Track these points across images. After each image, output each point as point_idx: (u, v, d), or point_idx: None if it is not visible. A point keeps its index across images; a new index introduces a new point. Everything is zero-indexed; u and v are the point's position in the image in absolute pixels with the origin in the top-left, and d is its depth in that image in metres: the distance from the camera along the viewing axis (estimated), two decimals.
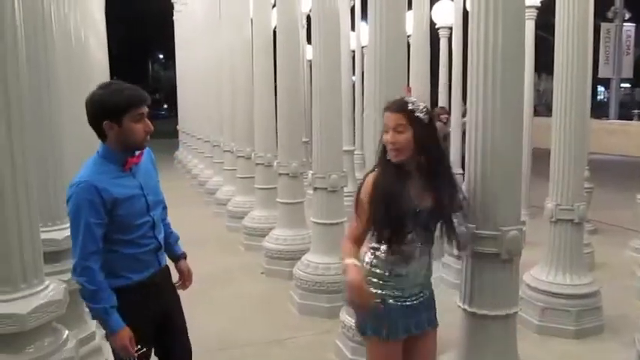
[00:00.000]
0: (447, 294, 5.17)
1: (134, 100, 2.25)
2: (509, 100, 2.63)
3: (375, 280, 2.36)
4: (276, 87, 6.24)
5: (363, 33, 10.09)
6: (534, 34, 7.52)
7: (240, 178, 8.03)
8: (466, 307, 2.77)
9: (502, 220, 2.64)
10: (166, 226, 2.66)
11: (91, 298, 2.20)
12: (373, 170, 2.43)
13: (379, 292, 2.34)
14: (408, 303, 2.39)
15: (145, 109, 2.29)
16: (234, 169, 8.50)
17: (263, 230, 6.48)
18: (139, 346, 2.29)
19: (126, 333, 2.24)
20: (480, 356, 2.77)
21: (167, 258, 2.61)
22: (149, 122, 2.30)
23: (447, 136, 7.76)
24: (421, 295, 2.44)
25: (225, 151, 9.47)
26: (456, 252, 2.58)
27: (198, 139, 13.08)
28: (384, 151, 2.34)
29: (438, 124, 7.76)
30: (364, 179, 2.44)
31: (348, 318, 3.81)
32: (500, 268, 2.67)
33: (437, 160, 2.35)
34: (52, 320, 2.06)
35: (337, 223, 4.84)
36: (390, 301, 2.36)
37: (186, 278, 2.73)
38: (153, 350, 2.47)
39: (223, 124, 9.66)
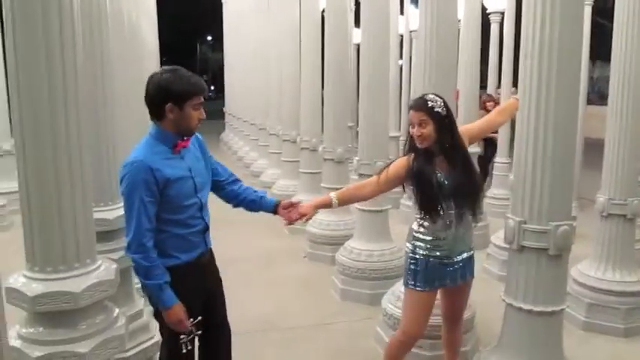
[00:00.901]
0: (491, 286, 5.14)
1: (198, 89, 2.37)
2: (564, 89, 2.55)
3: (421, 244, 2.86)
4: (323, 71, 6.23)
5: (412, 17, 9.95)
6: (591, 20, 7.25)
7: (285, 161, 8.08)
8: (511, 301, 2.73)
9: (552, 215, 2.59)
10: (249, 188, 2.83)
11: (146, 274, 2.29)
12: (406, 155, 2.92)
13: (425, 253, 2.84)
14: (449, 261, 2.85)
15: (202, 100, 2.41)
16: (280, 153, 8.57)
17: None
18: (192, 320, 2.38)
19: (180, 307, 2.34)
20: (523, 352, 2.73)
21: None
22: (203, 111, 2.43)
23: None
24: (464, 253, 2.89)
25: (270, 134, 9.54)
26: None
27: (244, 121, 13.21)
28: (412, 140, 2.84)
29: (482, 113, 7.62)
30: (396, 159, 2.99)
31: (389, 305, 3.81)
32: (548, 263, 2.62)
33: (452, 145, 2.78)
34: (103, 299, 2.13)
35: (381, 211, 4.81)
36: (432, 259, 2.83)
37: (293, 210, 2.83)
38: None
39: (270, 107, 9.71)
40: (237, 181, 2.83)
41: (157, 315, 2.50)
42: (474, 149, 6.42)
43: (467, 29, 6.15)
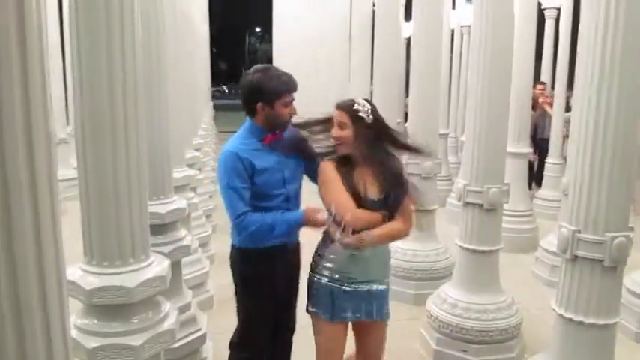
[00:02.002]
0: (539, 291, 5.04)
1: (288, 87, 2.52)
2: (627, 90, 2.44)
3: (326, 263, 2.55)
4: (372, 65, 6.19)
5: (464, 11, 9.76)
6: None
7: None
8: (562, 311, 2.66)
9: (608, 225, 2.51)
10: None
11: (271, 230, 2.49)
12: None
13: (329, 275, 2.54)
14: (359, 289, 2.53)
15: (294, 97, 2.56)
16: None
17: None
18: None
19: (307, 209, 2.53)
20: None
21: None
22: (294, 107, 2.58)
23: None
24: (373, 282, 2.56)
25: None
26: None
27: None
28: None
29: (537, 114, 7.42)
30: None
31: (434, 307, 3.78)
32: (602, 275, 2.54)
33: (378, 159, 2.48)
34: (156, 294, 2.18)
35: (429, 210, 4.77)
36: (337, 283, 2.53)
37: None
38: None
39: (317, 101, 9.73)
40: None
41: (237, 295, 2.75)
42: (525, 150, 6.29)
43: (521, 25, 6.01)
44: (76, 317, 2.13)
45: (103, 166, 2.01)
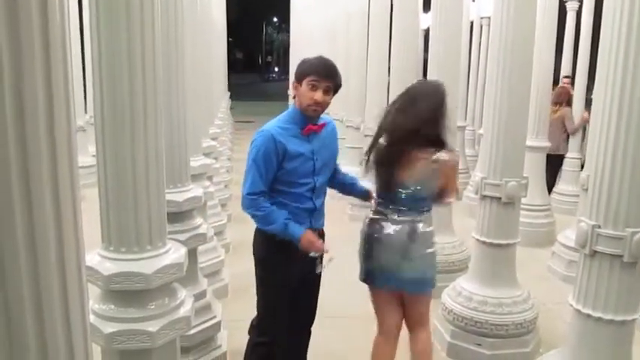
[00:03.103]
0: (555, 286, 5.00)
1: (314, 68, 2.59)
2: None
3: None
4: (390, 57, 6.15)
5: (484, 2, 9.66)
6: None
7: (349, 147, 8.07)
8: (580, 307, 2.63)
9: (629, 220, 2.46)
10: (346, 175, 3.03)
11: (266, 221, 2.59)
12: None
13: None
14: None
15: (321, 82, 2.57)
16: (343, 139, 8.55)
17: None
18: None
19: (309, 232, 2.62)
20: None
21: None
22: (321, 94, 2.56)
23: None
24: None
25: (334, 119, 9.53)
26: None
27: None
28: None
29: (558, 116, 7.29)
30: None
31: (449, 300, 3.77)
32: (622, 271, 2.50)
33: None
34: (172, 281, 2.20)
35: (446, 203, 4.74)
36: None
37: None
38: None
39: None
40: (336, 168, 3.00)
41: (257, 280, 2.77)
42: (543, 143, 6.23)
43: (542, 17, 5.92)
44: (93, 302, 2.16)
45: (121, 154, 2.03)
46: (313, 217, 2.75)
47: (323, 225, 2.87)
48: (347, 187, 3.05)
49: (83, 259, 1.14)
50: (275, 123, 2.64)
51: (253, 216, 2.60)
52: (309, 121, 2.63)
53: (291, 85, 2.72)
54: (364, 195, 3.04)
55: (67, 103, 1.04)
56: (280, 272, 2.70)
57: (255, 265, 2.79)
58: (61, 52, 1.02)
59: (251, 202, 2.56)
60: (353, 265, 4.79)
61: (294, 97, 2.70)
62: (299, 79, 2.61)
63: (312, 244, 2.61)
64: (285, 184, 2.62)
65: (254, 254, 2.78)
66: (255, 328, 2.87)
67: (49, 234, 1.02)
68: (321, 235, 2.83)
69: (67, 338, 1.08)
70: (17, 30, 0.92)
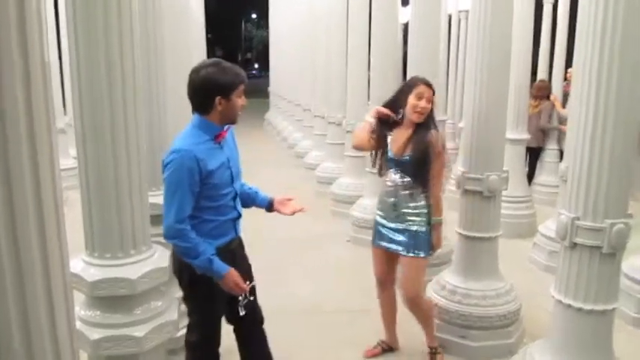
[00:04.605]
0: (537, 276, 5.07)
1: (242, 78, 2.46)
2: (627, 75, 2.40)
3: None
4: (370, 51, 6.16)
5: None
6: None
7: (330, 144, 8.08)
8: (561, 298, 2.68)
9: (608, 212, 2.50)
10: (244, 185, 2.81)
11: (190, 254, 2.36)
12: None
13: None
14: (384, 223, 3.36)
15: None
16: (324, 135, 8.56)
17: (351, 198, 6.52)
18: (247, 282, 2.53)
19: (233, 272, 2.45)
20: (571, 350, 2.68)
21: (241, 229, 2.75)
22: (244, 98, 2.51)
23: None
24: (392, 222, 3.31)
25: (315, 116, 9.53)
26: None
27: (289, 102, 13.22)
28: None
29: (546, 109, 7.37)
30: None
31: (433, 294, 3.80)
32: (601, 261, 2.55)
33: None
34: (157, 285, 2.19)
35: None
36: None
37: (290, 203, 2.90)
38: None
39: (315, 88, 9.69)
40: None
41: (186, 298, 2.58)
42: (523, 136, 6.30)
43: (519, 10, 5.97)
44: (79, 309, 2.15)
45: (103, 159, 2.03)
46: (237, 224, 2.68)
47: (240, 230, 2.76)
48: (250, 197, 2.84)
49: (67, 266, 1.14)
50: (189, 140, 2.41)
51: (178, 246, 2.38)
52: (220, 129, 2.50)
53: (216, 100, 2.43)
54: (267, 205, 2.88)
55: (46, 105, 1.03)
56: (215, 285, 2.50)
57: (186, 289, 2.56)
58: (39, 54, 1.01)
59: (177, 232, 2.33)
60: (336, 259, 4.81)
61: (205, 113, 2.46)
62: (226, 94, 2.42)
63: (236, 285, 2.47)
64: (208, 199, 2.46)
65: (182, 278, 2.53)
66: (194, 344, 2.63)
67: (32, 241, 1.01)
68: (240, 242, 2.75)
69: (53, 346, 1.08)
70: None
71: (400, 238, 3.29)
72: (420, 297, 3.41)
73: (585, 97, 2.53)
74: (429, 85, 3.18)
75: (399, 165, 3.26)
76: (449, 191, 7.21)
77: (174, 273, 2.57)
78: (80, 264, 2.10)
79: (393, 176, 3.30)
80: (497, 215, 3.71)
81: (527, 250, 5.55)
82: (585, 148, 2.53)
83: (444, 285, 3.77)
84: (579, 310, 2.61)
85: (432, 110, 3.18)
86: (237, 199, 2.65)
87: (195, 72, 2.43)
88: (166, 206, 2.36)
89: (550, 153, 7.65)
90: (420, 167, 3.20)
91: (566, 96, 7.66)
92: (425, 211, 3.26)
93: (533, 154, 7.52)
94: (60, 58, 7.93)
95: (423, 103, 3.13)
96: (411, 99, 3.16)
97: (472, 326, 3.59)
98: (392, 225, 3.32)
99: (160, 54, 3.01)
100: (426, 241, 3.28)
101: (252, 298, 2.63)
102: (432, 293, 3.81)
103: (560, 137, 7.56)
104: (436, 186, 3.25)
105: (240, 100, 2.48)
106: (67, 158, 7.65)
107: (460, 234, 3.74)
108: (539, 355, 2.80)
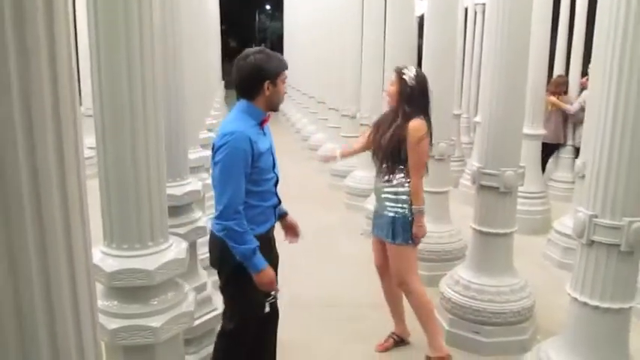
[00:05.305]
0: (551, 273, 5.04)
1: (285, 64, 2.59)
2: None
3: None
4: (385, 44, 6.13)
5: None
6: None
7: (344, 137, 8.07)
8: (577, 295, 2.66)
9: (626, 210, 2.48)
10: None
11: (241, 240, 2.41)
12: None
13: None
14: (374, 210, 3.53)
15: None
16: (338, 127, 8.54)
17: (364, 191, 6.52)
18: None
19: (270, 269, 2.51)
20: (586, 348, 2.66)
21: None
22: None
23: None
24: (379, 209, 3.41)
25: (330, 108, 9.51)
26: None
27: (304, 94, 13.21)
28: None
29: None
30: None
31: (447, 289, 3.80)
32: (619, 260, 2.53)
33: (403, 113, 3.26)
34: (174, 277, 2.21)
35: (443, 192, 4.76)
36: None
37: (296, 232, 2.95)
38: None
39: (330, 81, 9.67)
40: None
41: (226, 286, 2.64)
42: (539, 131, 6.25)
43: (537, 3, 5.92)
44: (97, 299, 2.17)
45: (122, 151, 2.03)
46: (276, 211, 2.74)
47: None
48: None
49: (90, 257, 1.15)
50: (242, 123, 2.48)
51: (230, 230, 2.41)
52: (265, 114, 2.59)
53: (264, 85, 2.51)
54: (281, 216, 2.89)
55: (72, 94, 1.04)
56: (253, 290, 2.54)
57: (228, 279, 2.62)
58: (65, 49, 1.02)
59: (236, 215, 2.40)
60: (350, 252, 4.82)
61: (252, 99, 2.54)
62: (274, 79, 2.52)
63: (271, 283, 2.52)
64: (253, 184, 2.50)
65: (225, 267, 2.60)
66: (229, 336, 2.70)
67: (57, 231, 1.02)
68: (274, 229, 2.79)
69: (77, 334, 1.09)
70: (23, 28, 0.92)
71: (381, 224, 3.37)
72: (407, 285, 3.39)
73: (605, 94, 2.50)
74: (395, 70, 3.33)
75: (378, 150, 3.39)
76: (463, 186, 7.19)
77: (214, 260, 2.67)
78: (98, 254, 2.12)
79: (378, 162, 3.41)
80: (512, 211, 3.69)
81: (541, 246, 5.52)
82: (605, 145, 2.51)
83: (458, 280, 3.76)
84: (596, 308, 2.60)
85: (402, 94, 3.24)
86: (278, 186, 2.70)
87: (242, 59, 2.52)
88: (220, 188, 2.43)
89: (565, 149, 7.59)
90: (392, 152, 3.26)
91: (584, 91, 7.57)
92: (404, 197, 3.28)
93: (548, 151, 7.39)
94: (76, 47, 7.98)
95: (387, 89, 3.38)
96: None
97: (486, 322, 3.58)
98: (378, 211, 3.44)
99: (177, 45, 3.02)
100: (403, 229, 3.28)
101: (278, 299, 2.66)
102: (446, 288, 3.81)
103: (575, 133, 7.48)
104: (414, 175, 3.26)
105: (283, 86, 2.58)
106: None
107: (475, 229, 3.73)
108: (554, 353, 2.79)
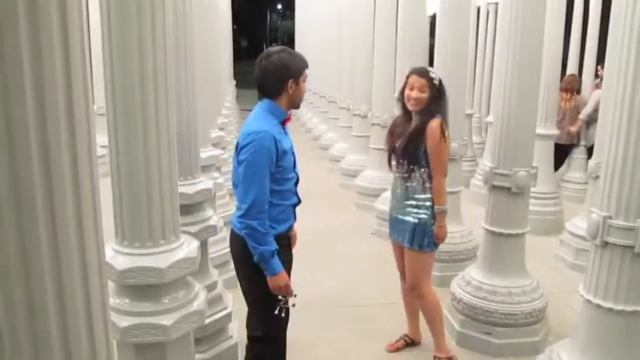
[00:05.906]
0: (563, 274, 5.00)
1: (306, 63, 2.60)
2: None
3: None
4: (397, 43, 6.11)
5: None
6: None
7: (355, 136, 8.06)
8: (590, 297, 2.63)
9: None
10: None
11: (263, 240, 2.43)
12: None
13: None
14: (392, 214, 3.46)
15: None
16: (349, 127, 8.53)
17: (375, 190, 6.51)
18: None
19: (285, 273, 2.53)
20: (599, 349, 2.63)
21: None
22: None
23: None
24: (398, 214, 3.36)
25: (340, 107, 9.50)
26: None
27: (314, 93, 13.20)
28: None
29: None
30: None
31: (458, 290, 3.78)
32: (633, 261, 2.49)
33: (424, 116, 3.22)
34: (186, 275, 2.21)
35: (455, 192, 4.74)
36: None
37: (294, 241, 2.91)
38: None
39: (341, 80, 9.65)
40: None
41: (250, 289, 2.66)
42: (552, 131, 6.20)
43: (551, 2, 5.87)
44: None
45: (134, 149, 2.03)
46: (294, 212, 2.75)
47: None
48: None
49: (103, 254, 1.16)
50: (266, 122, 2.50)
51: (253, 229, 2.42)
52: (286, 114, 2.61)
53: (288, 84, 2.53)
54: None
55: (86, 99, 1.04)
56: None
57: (252, 278, 2.61)
58: (79, 47, 1.02)
59: (260, 214, 2.42)
60: (360, 252, 4.83)
61: (275, 97, 2.56)
62: (297, 77, 2.54)
63: (286, 287, 2.53)
64: (275, 183, 2.51)
65: (246, 267, 2.60)
66: (262, 339, 2.73)
67: (70, 229, 1.02)
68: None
69: (89, 332, 1.10)
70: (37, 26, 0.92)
71: (402, 229, 3.33)
72: (420, 289, 3.39)
73: (620, 94, 2.47)
74: (420, 74, 3.22)
75: (399, 154, 3.32)
76: (475, 186, 7.16)
77: (237, 262, 2.70)
78: (110, 252, 2.12)
79: (396, 166, 3.37)
80: (525, 212, 3.66)
81: (553, 247, 5.49)
82: (619, 146, 2.48)
83: (469, 281, 3.74)
84: (609, 310, 2.57)
85: (433, 99, 3.19)
86: (298, 185, 2.71)
87: (266, 57, 2.53)
88: (245, 186, 2.44)
89: (577, 149, 7.53)
90: (414, 151, 3.21)
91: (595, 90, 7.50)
92: (427, 204, 3.25)
93: (561, 151, 7.29)
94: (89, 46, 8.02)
95: (413, 94, 3.19)
96: (406, 91, 3.24)
97: (497, 323, 3.56)
98: (397, 216, 3.38)
99: (189, 45, 3.02)
100: (424, 234, 3.26)
101: (292, 305, 2.63)
102: (457, 289, 3.79)
103: (588, 134, 7.42)
104: (437, 174, 3.23)
105: (304, 84, 2.60)
106: None
107: (487, 230, 3.71)
108: (566, 355, 2.76)
